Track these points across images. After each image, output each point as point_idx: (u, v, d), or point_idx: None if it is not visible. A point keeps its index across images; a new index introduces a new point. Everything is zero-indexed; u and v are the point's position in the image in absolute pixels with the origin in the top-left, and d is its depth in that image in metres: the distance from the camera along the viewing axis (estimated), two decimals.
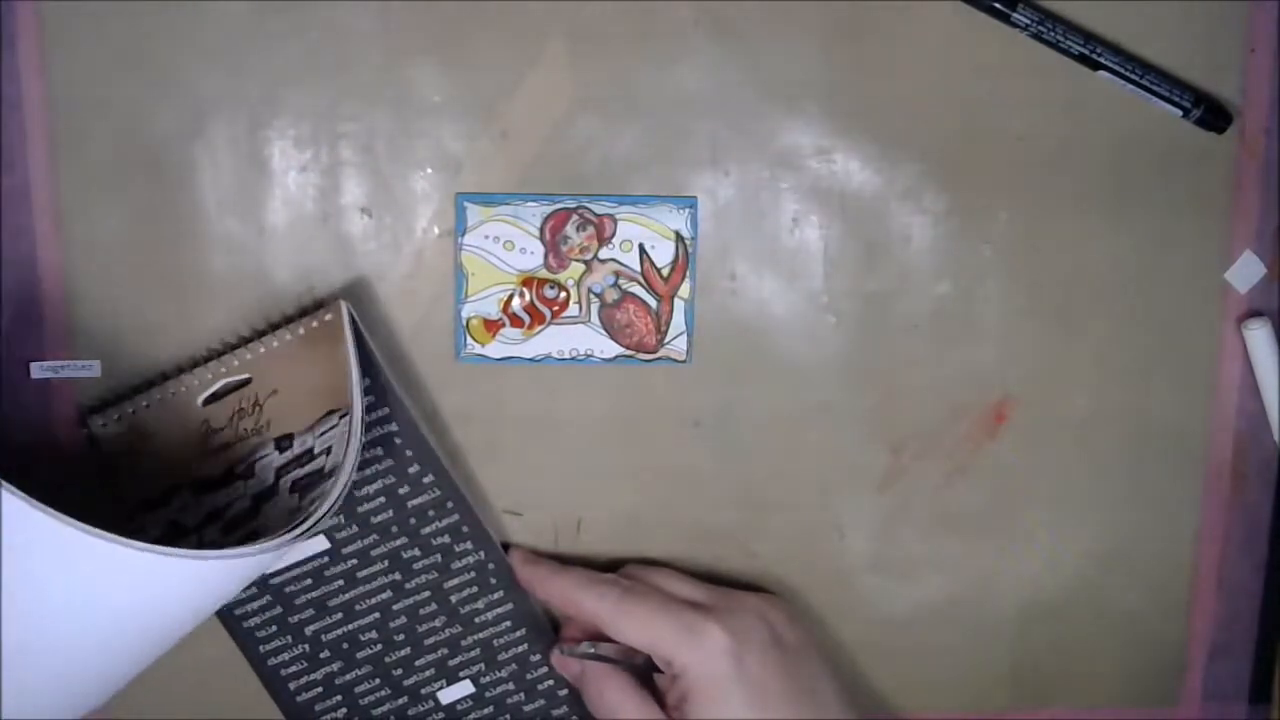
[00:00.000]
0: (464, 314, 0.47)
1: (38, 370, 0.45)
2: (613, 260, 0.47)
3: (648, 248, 0.47)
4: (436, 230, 0.47)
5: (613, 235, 0.47)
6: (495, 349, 0.47)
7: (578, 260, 0.47)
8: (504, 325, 0.47)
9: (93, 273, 0.47)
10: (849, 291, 0.48)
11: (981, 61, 0.47)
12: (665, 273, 0.47)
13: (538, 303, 0.47)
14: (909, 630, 0.51)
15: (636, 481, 0.50)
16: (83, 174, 0.46)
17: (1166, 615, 0.52)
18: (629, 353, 0.48)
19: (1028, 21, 0.46)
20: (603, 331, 0.47)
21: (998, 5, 0.46)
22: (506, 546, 0.49)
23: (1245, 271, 0.49)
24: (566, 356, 0.48)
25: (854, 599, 0.51)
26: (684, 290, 0.47)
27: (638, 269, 0.47)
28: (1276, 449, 0.50)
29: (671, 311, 0.47)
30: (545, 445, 0.49)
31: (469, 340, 0.47)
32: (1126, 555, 0.51)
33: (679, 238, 0.47)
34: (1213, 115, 0.47)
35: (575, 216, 0.46)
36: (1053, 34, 0.46)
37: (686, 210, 0.46)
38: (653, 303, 0.47)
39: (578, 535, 0.50)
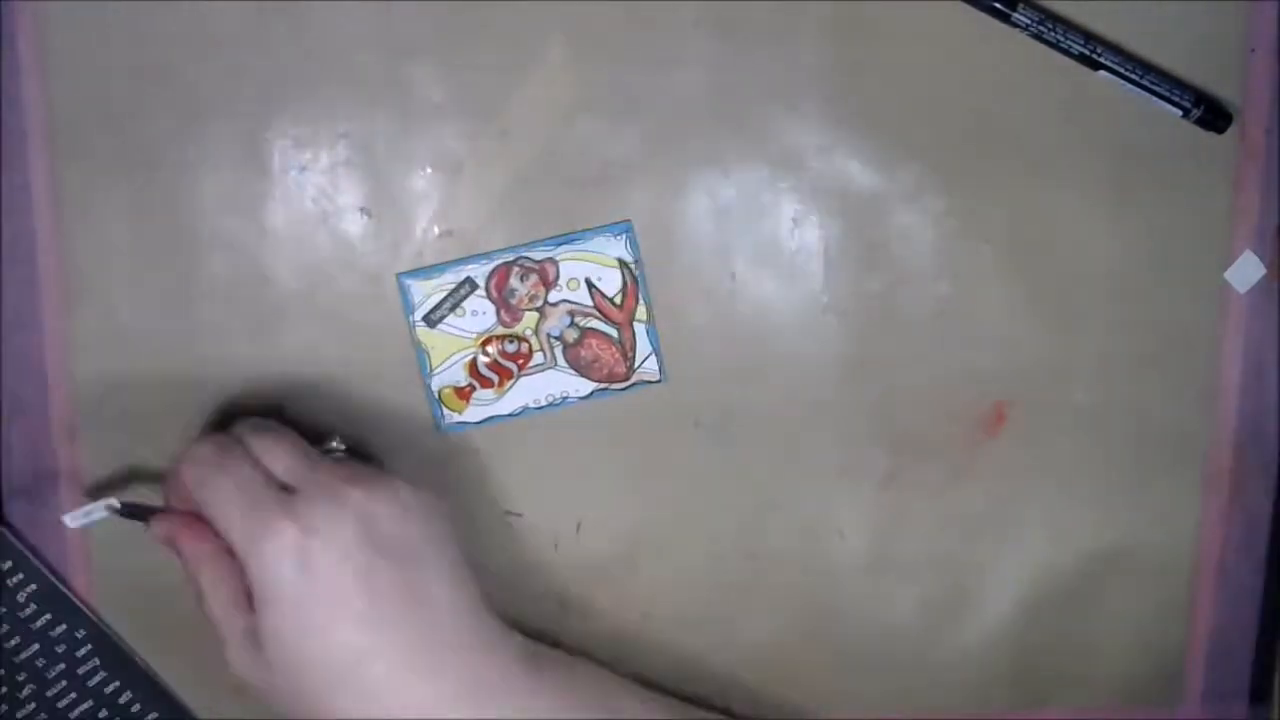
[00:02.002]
0: (434, 386, 0.47)
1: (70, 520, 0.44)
2: (564, 301, 0.47)
3: (594, 280, 0.47)
4: (436, 230, 0.47)
5: (557, 278, 0.46)
6: (473, 413, 0.48)
7: (529, 309, 0.47)
8: (474, 389, 0.47)
9: (93, 273, 0.47)
10: (849, 291, 0.48)
11: (981, 61, 0.47)
12: (618, 300, 0.47)
13: (501, 359, 0.47)
14: (909, 630, 0.51)
15: (636, 482, 0.50)
16: (83, 174, 0.46)
17: (1166, 615, 0.52)
18: (603, 385, 0.48)
19: (1028, 21, 0.46)
20: (571, 372, 0.48)
21: (998, 5, 0.46)
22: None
23: (1245, 271, 0.49)
24: (544, 404, 0.48)
25: (854, 599, 0.51)
26: (640, 313, 0.47)
27: (590, 303, 0.47)
28: (1277, 449, 0.50)
29: (634, 337, 0.47)
30: (545, 446, 0.49)
31: (445, 411, 0.47)
32: (1126, 555, 0.51)
33: (622, 264, 0.47)
34: (1213, 115, 0.47)
35: (516, 268, 0.46)
36: (1053, 34, 0.46)
37: (623, 236, 0.46)
38: (613, 332, 0.47)
39: (577, 536, 0.50)
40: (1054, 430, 0.50)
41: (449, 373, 0.47)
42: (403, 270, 0.46)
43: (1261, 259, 0.49)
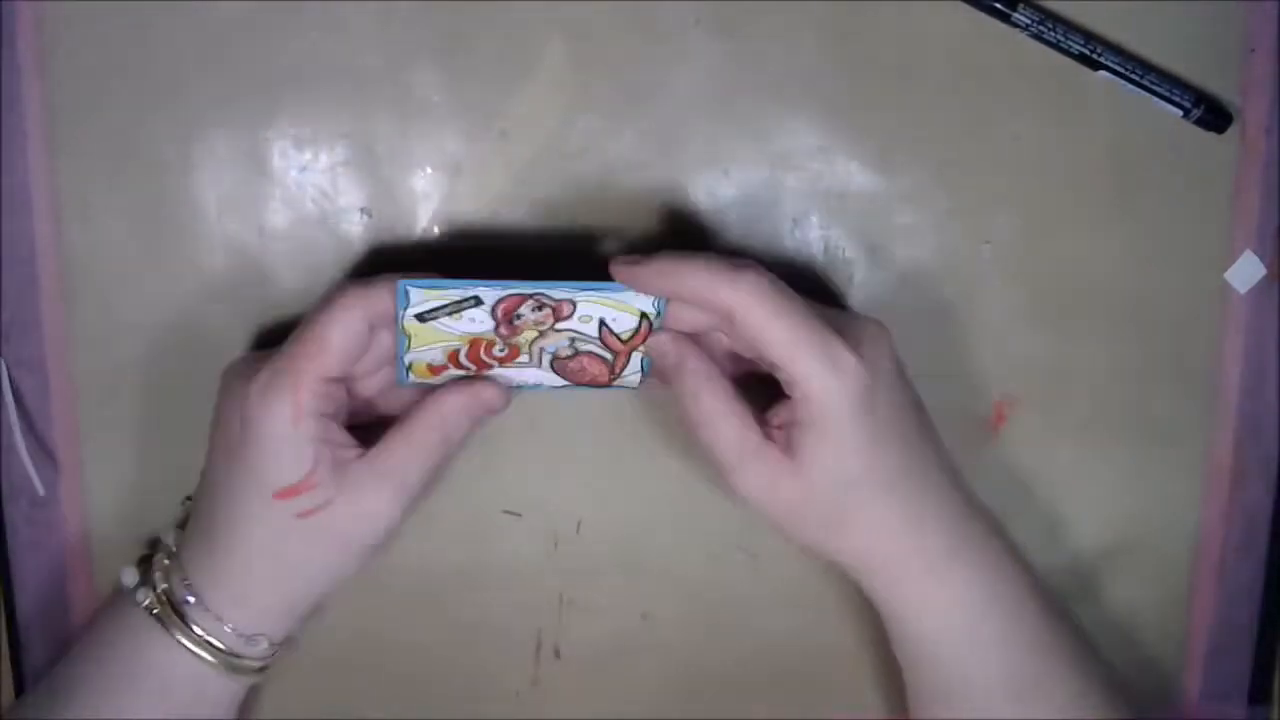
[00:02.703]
0: (406, 359, 0.43)
1: None
2: (570, 330, 0.43)
3: (608, 320, 0.43)
4: (437, 230, 0.47)
5: (571, 315, 0.43)
6: (439, 379, 0.44)
7: (531, 330, 0.43)
8: (448, 368, 0.44)
9: (93, 273, 0.47)
10: (849, 292, 0.48)
11: (981, 61, 0.47)
12: (625, 338, 0.44)
13: (485, 356, 0.44)
14: None
15: (636, 483, 0.50)
16: (83, 174, 0.46)
17: (1166, 615, 0.52)
18: (580, 386, 0.45)
19: (1028, 21, 0.46)
20: (553, 375, 0.45)
21: (998, 5, 0.46)
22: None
23: (1245, 271, 0.49)
24: (514, 384, 0.45)
25: (855, 599, 0.51)
26: (642, 348, 0.44)
27: (595, 336, 0.44)
28: (1277, 449, 0.50)
29: (628, 361, 0.45)
30: (545, 446, 0.49)
31: (412, 377, 0.44)
32: (1126, 554, 0.51)
33: (643, 315, 0.43)
34: (1213, 115, 0.47)
35: (530, 301, 0.42)
36: (1053, 34, 0.46)
37: (654, 296, 0.42)
38: (608, 356, 0.44)
39: (577, 536, 0.50)
40: (1054, 430, 0.50)
41: (427, 353, 0.43)
42: (407, 279, 0.42)
43: (1261, 259, 0.49)
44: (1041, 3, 0.46)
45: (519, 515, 0.50)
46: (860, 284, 0.48)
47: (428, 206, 0.47)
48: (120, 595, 0.45)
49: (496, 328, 0.43)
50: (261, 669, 0.45)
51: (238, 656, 0.44)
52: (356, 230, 0.47)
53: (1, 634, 0.49)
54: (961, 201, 0.48)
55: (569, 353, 0.44)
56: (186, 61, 0.45)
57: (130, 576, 0.45)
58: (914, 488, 0.43)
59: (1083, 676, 0.45)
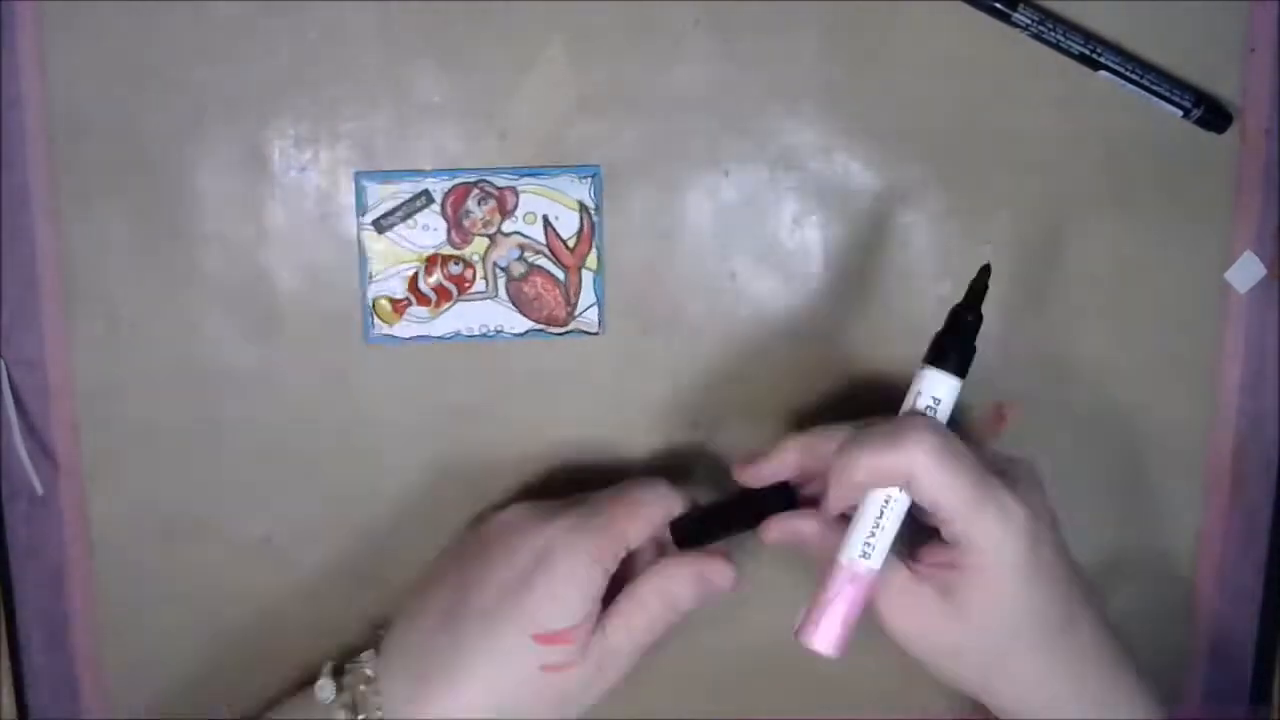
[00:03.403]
0: (369, 294, 0.46)
1: None
2: (516, 233, 0.46)
3: (551, 218, 0.46)
4: None
5: (515, 208, 0.46)
6: (403, 328, 0.47)
7: (481, 235, 0.46)
8: (410, 304, 0.46)
9: (93, 273, 0.47)
10: (849, 292, 0.48)
11: (981, 61, 0.47)
12: (571, 243, 0.46)
13: (444, 280, 0.46)
14: None
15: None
16: (83, 174, 0.46)
17: (1167, 615, 0.52)
18: (539, 327, 0.47)
19: (1028, 21, 0.46)
20: (511, 306, 0.47)
21: (998, 5, 0.46)
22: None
23: (1245, 271, 0.49)
24: (476, 333, 0.47)
25: None
26: (591, 261, 0.46)
27: (543, 241, 0.46)
28: (1277, 450, 0.50)
29: (580, 283, 0.46)
30: (545, 444, 0.49)
31: (376, 321, 0.46)
32: (1127, 555, 0.51)
33: (583, 208, 0.46)
34: (1213, 115, 0.47)
35: (476, 190, 0.45)
36: (1053, 34, 0.46)
37: (589, 179, 0.46)
38: (560, 275, 0.47)
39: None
40: (1054, 430, 0.50)
41: (388, 283, 0.46)
42: (360, 169, 0.45)
43: (1261, 259, 0.49)
44: (1041, 3, 0.46)
45: None
46: (860, 284, 0.48)
47: None
48: (308, 702, 0.44)
49: (449, 233, 0.45)
50: None
51: None
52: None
53: (1, 634, 0.49)
54: (961, 201, 0.48)
55: (522, 270, 0.46)
56: (186, 61, 0.45)
57: (327, 691, 0.44)
58: (1075, 636, 0.43)
59: None
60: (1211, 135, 0.47)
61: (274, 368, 0.48)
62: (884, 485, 0.40)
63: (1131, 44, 0.47)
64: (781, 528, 0.43)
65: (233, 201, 0.46)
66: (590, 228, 0.46)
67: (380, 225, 0.45)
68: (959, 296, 0.49)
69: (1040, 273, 0.49)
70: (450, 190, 0.45)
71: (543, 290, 0.46)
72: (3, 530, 0.49)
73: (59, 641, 0.49)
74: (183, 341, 0.47)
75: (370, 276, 0.46)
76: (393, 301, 0.46)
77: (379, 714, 0.42)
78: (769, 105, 0.47)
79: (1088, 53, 0.46)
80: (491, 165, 0.46)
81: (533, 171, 0.45)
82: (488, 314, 0.47)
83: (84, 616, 0.49)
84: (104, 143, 0.46)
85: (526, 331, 0.47)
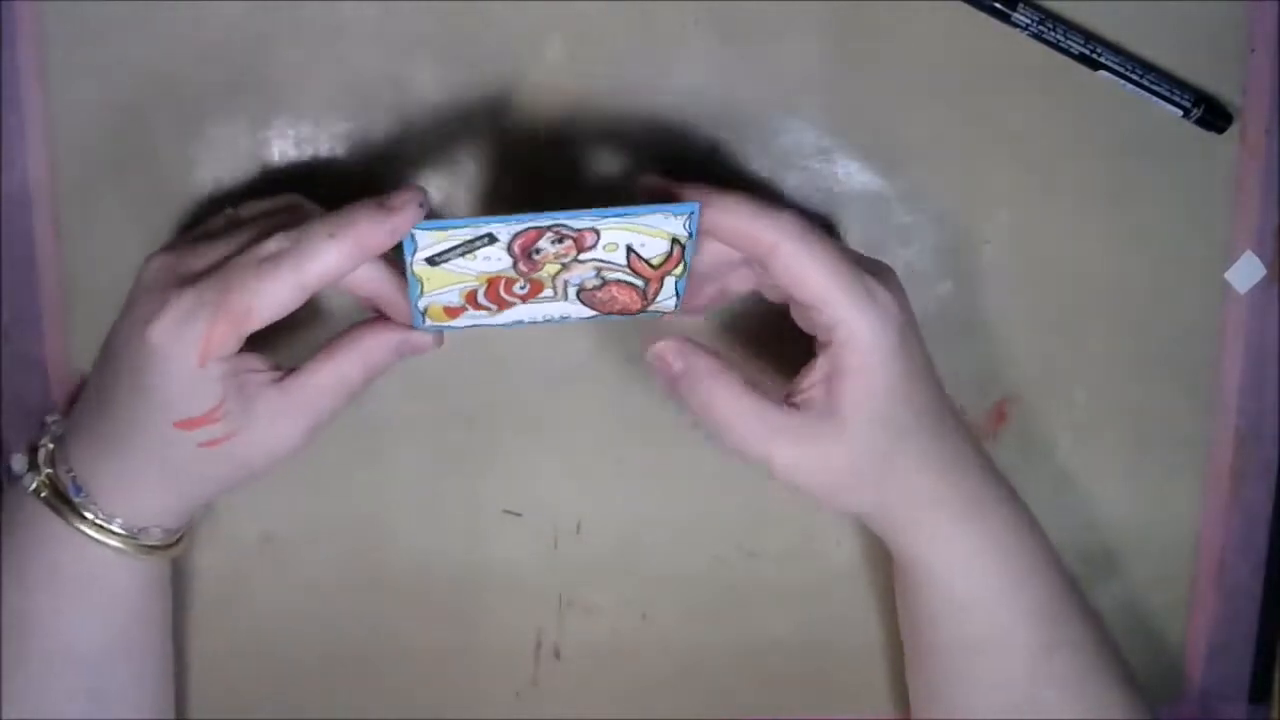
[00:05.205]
0: (421, 305, 0.41)
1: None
2: (594, 260, 0.40)
3: (636, 245, 0.40)
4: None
5: (595, 244, 0.39)
6: (459, 321, 0.42)
7: (552, 264, 0.40)
8: (466, 310, 0.41)
9: (93, 273, 0.47)
10: None
11: (981, 61, 0.47)
12: (656, 263, 0.40)
13: (505, 295, 0.41)
14: None
15: (637, 482, 0.50)
16: (83, 174, 0.46)
17: (1166, 615, 0.52)
18: (610, 315, 0.42)
19: (1028, 21, 0.46)
20: (580, 305, 0.42)
21: (998, 5, 0.46)
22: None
23: (1245, 271, 0.49)
24: (539, 319, 0.42)
25: (855, 599, 0.51)
26: (677, 269, 0.41)
27: (624, 263, 0.40)
28: (1277, 449, 0.50)
29: (661, 287, 0.41)
30: (545, 445, 0.49)
31: (427, 321, 0.42)
32: (1126, 555, 0.51)
33: (674, 240, 0.39)
34: (1213, 115, 0.47)
35: (550, 233, 0.39)
36: (1053, 34, 0.46)
37: (684, 216, 0.39)
38: (640, 283, 0.41)
39: (577, 536, 0.50)
40: (1054, 430, 0.50)
41: (442, 296, 0.41)
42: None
43: (1261, 259, 0.49)
44: (1041, 3, 0.46)
45: (519, 515, 0.50)
46: None
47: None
48: (13, 483, 0.44)
49: (515, 264, 0.40)
50: (166, 547, 0.44)
51: (134, 539, 0.42)
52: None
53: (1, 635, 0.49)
54: (961, 201, 0.48)
55: (596, 283, 0.41)
56: (186, 61, 0.45)
57: (20, 463, 0.44)
58: (948, 430, 0.43)
59: (1101, 642, 0.46)
60: (1211, 135, 0.47)
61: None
62: (745, 249, 0.40)
63: (1131, 44, 0.47)
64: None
65: (233, 201, 0.46)
66: (680, 252, 0.40)
67: (434, 261, 0.39)
68: (958, 296, 0.49)
69: (1040, 273, 0.49)
70: (519, 233, 0.38)
71: (618, 293, 0.41)
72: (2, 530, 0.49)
73: None
74: None
75: (422, 294, 0.40)
76: (447, 309, 0.41)
77: (71, 475, 0.42)
78: (769, 105, 0.47)
79: (1088, 53, 0.46)
80: (570, 207, 0.39)
81: (618, 212, 0.38)
82: (554, 309, 0.42)
83: None
84: (104, 143, 0.46)
85: (594, 316, 0.42)
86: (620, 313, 0.42)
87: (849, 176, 0.48)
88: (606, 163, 0.47)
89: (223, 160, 0.46)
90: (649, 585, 0.50)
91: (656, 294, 0.42)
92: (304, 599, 0.50)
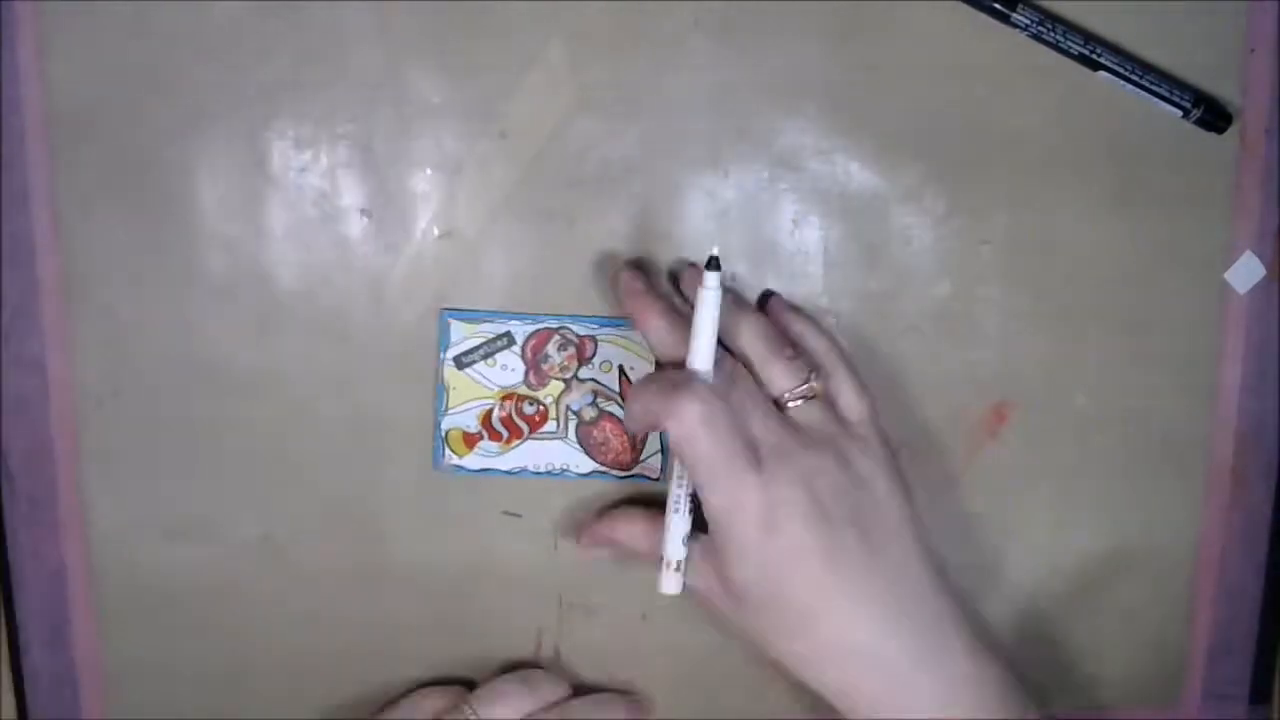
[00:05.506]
0: (444, 425, 0.48)
1: None
2: (592, 380, 0.48)
3: (626, 369, 0.48)
4: (436, 231, 0.47)
5: (593, 355, 0.48)
6: (473, 460, 0.48)
7: (557, 379, 0.48)
8: (482, 438, 0.48)
9: (93, 273, 0.47)
10: (849, 292, 0.48)
11: (981, 61, 0.47)
12: None
13: (516, 418, 0.48)
14: None
15: (635, 482, 0.50)
16: (82, 175, 0.46)
17: (1167, 615, 0.52)
18: (603, 469, 0.49)
19: (1028, 21, 0.46)
20: (579, 448, 0.48)
21: (998, 5, 0.46)
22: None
23: (1245, 272, 0.49)
24: (542, 470, 0.48)
25: None
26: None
27: (616, 389, 0.48)
28: (1277, 449, 0.50)
29: (648, 434, 0.48)
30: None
31: (447, 451, 0.48)
32: (1127, 555, 0.51)
33: (658, 364, 0.47)
34: (1213, 115, 0.47)
35: (557, 336, 0.47)
36: (1053, 34, 0.46)
37: None
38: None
39: (579, 537, 0.50)
40: (1054, 431, 0.50)
41: (463, 416, 0.48)
42: (447, 307, 0.47)
43: (1261, 259, 0.49)
44: (1041, 3, 0.46)
45: (519, 515, 0.50)
46: (860, 284, 0.48)
47: (427, 207, 0.47)
48: None
49: (526, 375, 0.47)
50: None
51: None
52: (356, 231, 0.47)
53: (1, 635, 0.49)
54: (961, 201, 0.48)
55: (593, 414, 0.48)
56: (186, 62, 0.45)
57: None
58: (877, 590, 0.43)
59: None
60: (1211, 135, 0.47)
61: (274, 368, 0.48)
62: (654, 430, 0.46)
63: (1131, 44, 0.47)
64: (594, 533, 0.48)
65: (233, 202, 0.46)
66: None
67: (460, 362, 0.47)
68: (959, 296, 0.49)
69: (1040, 273, 0.49)
70: (532, 334, 0.47)
71: (611, 435, 0.48)
72: (3, 531, 0.49)
73: (59, 641, 0.49)
74: (183, 341, 0.47)
75: (447, 409, 0.47)
76: (465, 434, 0.48)
77: None
78: (769, 106, 0.47)
79: (1087, 53, 0.46)
80: (575, 312, 0.47)
81: (614, 322, 0.47)
82: (555, 453, 0.48)
83: (84, 616, 0.49)
84: (104, 143, 0.46)
85: (591, 472, 0.49)
86: (613, 465, 0.49)
87: (849, 176, 0.48)
88: (606, 163, 0.47)
89: (223, 160, 0.46)
90: (649, 585, 0.50)
91: (644, 442, 0.48)
92: (304, 599, 0.50)
